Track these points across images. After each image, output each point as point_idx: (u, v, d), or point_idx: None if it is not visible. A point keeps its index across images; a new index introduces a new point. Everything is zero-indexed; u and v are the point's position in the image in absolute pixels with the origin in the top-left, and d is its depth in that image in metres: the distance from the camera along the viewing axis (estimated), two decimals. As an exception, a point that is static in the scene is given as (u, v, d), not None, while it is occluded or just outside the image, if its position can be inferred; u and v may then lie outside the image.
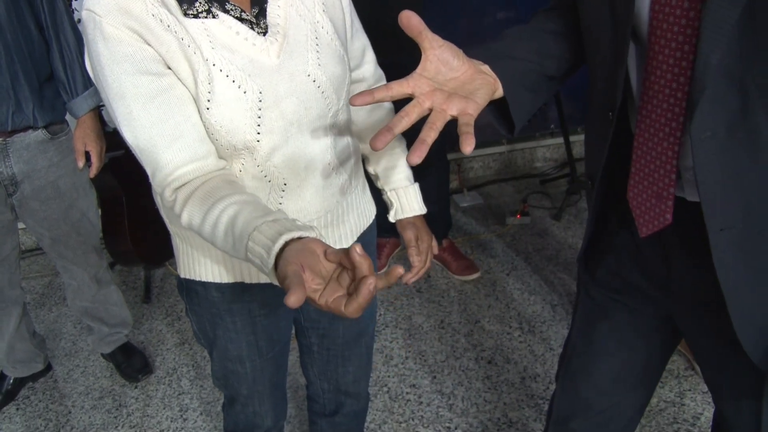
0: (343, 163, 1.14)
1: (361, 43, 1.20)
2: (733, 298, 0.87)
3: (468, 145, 0.72)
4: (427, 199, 1.32)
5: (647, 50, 0.83)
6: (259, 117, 0.98)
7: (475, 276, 2.85)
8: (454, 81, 0.81)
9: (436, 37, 0.79)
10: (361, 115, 1.26)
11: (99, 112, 2.06)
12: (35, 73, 1.81)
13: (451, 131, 0.77)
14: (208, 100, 0.94)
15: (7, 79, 1.74)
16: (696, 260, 0.92)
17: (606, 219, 1.10)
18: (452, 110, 0.77)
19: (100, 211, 2.50)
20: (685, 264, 0.96)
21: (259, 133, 0.99)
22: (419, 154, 0.72)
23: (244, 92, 0.96)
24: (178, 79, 0.94)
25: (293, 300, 0.64)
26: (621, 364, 1.16)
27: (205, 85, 0.94)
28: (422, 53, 0.80)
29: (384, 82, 1.29)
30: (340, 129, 1.11)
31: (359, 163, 1.24)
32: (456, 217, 3.34)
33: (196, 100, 0.95)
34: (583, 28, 0.97)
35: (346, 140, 1.15)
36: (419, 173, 1.32)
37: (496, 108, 0.96)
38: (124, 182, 2.41)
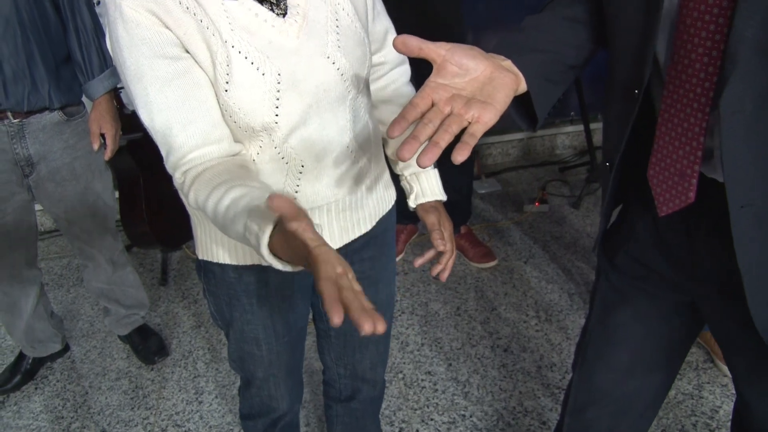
0: (363, 146, 1.13)
1: (383, 26, 1.18)
2: (749, 276, 0.86)
3: (460, 156, 0.71)
4: (448, 187, 1.31)
5: (678, 23, 0.80)
6: (278, 99, 0.97)
7: (492, 263, 2.84)
8: (473, 82, 0.79)
9: (440, 45, 0.78)
10: (381, 101, 1.25)
11: (117, 94, 2.06)
12: (51, 54, 1.81)
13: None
14: (227, 82, 0.94)
15: (23, 60, 1.74)
16: (719, 241, 0.90)
17: (627, 203, 1.08)
18: (469, 116, 0.76)
19: (117, 193, 2.51)
20: (708, 246, 0.94)
21: (277, 115, 0.98)
22: (431, 157, 0.71)
23: (263, 74, 0.95)
24: (196, 62, 0.94)
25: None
26: (641, 351, 1.15)
27: (223, 67, 0.93)
28: (433, 65, 0.78)
29: (407, 65, 1.28)
30: (359, 112, 1.10)
31: (379, 148, 1.22)
32: (474, 204, 3.31)
33: (213, 83, 0.95)
34: (606, 3, 0.94)
35: (366, 124, 1.13)
36: (441, 160, 1.30)
37: (518, 103, 0.94)
38: (142, 164, 2.41)
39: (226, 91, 0.94)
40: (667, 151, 0.88)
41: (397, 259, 2.94)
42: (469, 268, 2.84)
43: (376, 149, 1.19)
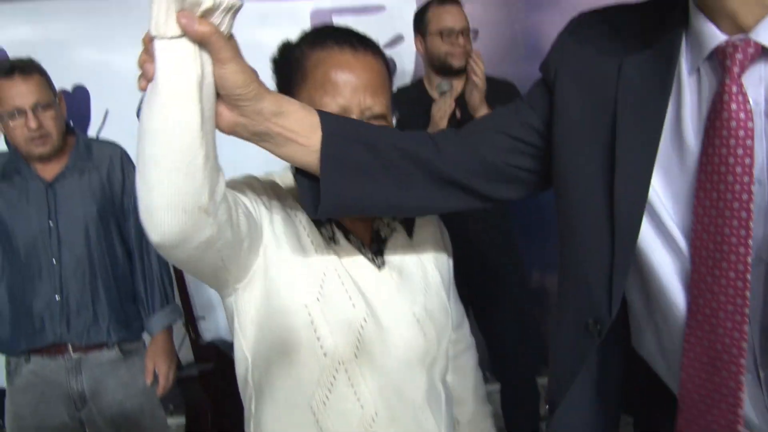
0: (435, 411, 1.12)
1: (459, 307, 1.23)
2: None
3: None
4: (515, 427, 1.28)
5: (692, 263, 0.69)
6: (360, 334, 0.99)
7: None
8: None
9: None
10: (459, 385, 1.26)
11: (192, 324, 2.13)
12: (117, 292, 1.91)
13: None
14: (320, 293, 0.97)
15: (88, 295, 1.85)
16: None
17: None
18: None
19: (184, 418, 2.55)
20: None
21: (358, 348, 0.99)
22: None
23: (353, 305, 0.99)
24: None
25: None
26: None
27: (319, 275, 0.98)
28: None
29: (474, 349, 1.30)
30: (435, 377, 1.11)
31: (450, 417, 1.20)
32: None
33: (303, 285, 0.98)
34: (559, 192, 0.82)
35: (439, 389, 1.14)
36: (509, 399, 1.28)
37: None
38: (212, 397, 2.44)
39: (318, 300, 0.97)
40: (698, 411, 0.76)
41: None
42: None
43: (447, 417, 1.17)
